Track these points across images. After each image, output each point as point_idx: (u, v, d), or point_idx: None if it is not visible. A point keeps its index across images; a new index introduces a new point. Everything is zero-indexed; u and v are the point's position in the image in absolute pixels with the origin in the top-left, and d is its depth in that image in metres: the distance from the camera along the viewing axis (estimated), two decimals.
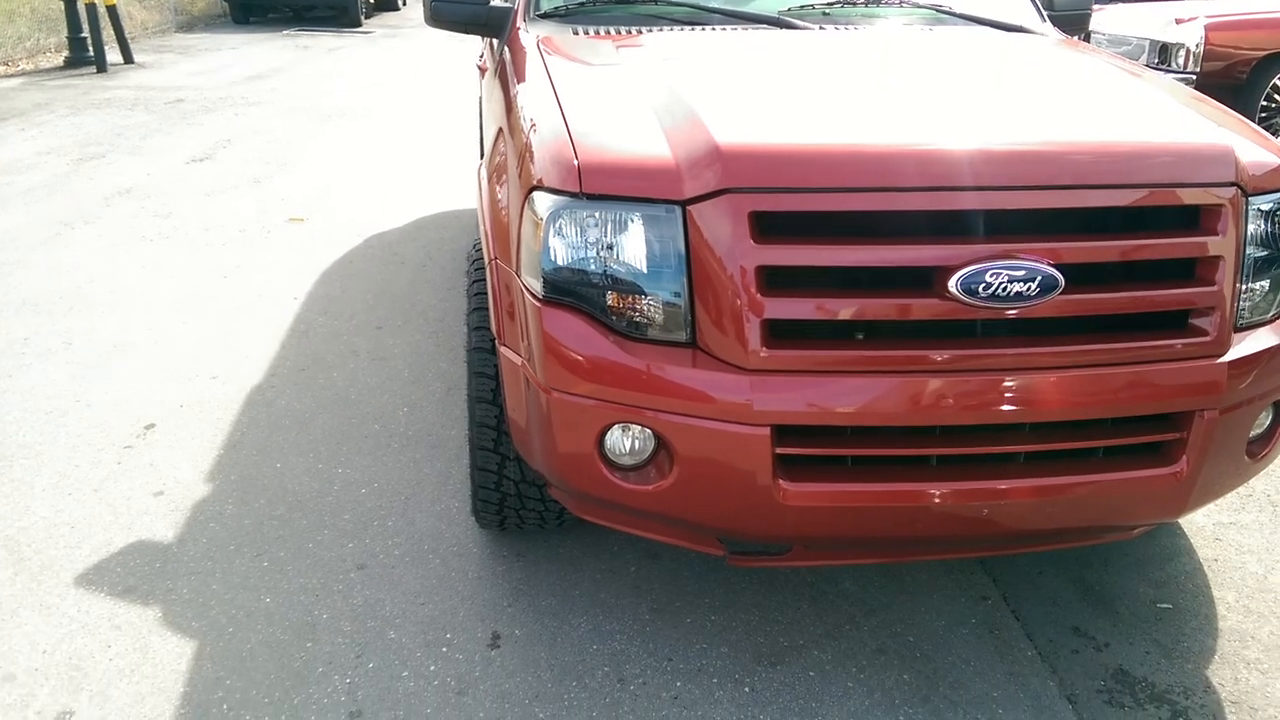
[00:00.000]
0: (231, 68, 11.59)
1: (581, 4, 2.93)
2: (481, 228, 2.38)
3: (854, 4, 2.90)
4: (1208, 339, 1.93)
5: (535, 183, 2.03)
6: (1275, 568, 2.61)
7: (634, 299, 1.92)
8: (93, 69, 11.16)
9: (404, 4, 21.08)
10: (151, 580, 2.48)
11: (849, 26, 2.78)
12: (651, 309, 1.92)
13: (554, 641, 2.31)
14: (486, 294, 2.38)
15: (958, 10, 2.94)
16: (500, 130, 2.66)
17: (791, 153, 1.86)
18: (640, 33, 2.72)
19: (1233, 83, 6.68)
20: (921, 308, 1.83)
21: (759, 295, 1.82)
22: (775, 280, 1.83)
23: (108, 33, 11.34)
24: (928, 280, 1.83)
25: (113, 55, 11.48)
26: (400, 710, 2.10)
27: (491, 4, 3.06)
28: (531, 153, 2.13)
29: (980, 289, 1.80)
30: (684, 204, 1.87)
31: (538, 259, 1.98)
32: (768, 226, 1.83)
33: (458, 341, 4.01)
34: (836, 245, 1.83)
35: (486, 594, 2.47)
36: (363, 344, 3.97)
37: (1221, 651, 2.31)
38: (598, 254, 1.94)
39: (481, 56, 3.80)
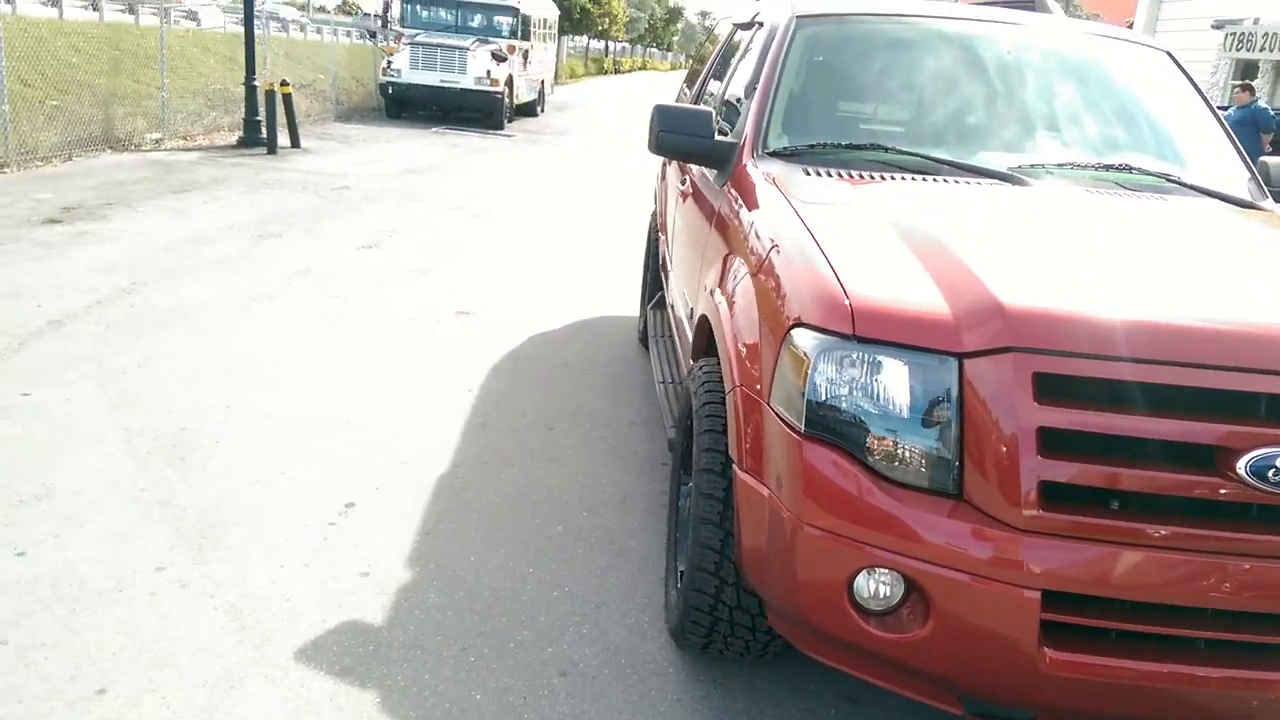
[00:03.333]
0: (389, 160, 12.28)
1: (810, 147, 3.06)
2: (723, 353, 2.45)
3: (1083, 166, 2.96)
4: None
5: (796, 319, 2.11)
6: None
7: (900, 444, 1.96)
8: (263, 150, 11.97)
9: (541, 111, 22.16)
10: (367, 663, 2.55)
11: (1081, 189, 2.83)
12: (917, 456, 1.95)
13: None
14: (720, 416, 2.45)
15: (1187, 181, 2.98)
16: (729, 258, 2.77)
17: (1081, 319, 1.90)
18: (875, 178, 2.82)
19: None
20: (1204, 486, 1.82)
21: (1037, 455, 1.84)
22: (1053, 441, 1.85)
23: (278, 117, 12.16)
24: (1211, 459, 1.83)
25: (281, 139, 12.29)
26: None
27: (716, 140, 3.22)
28: (789, 288, 2.22)
29: (1270, 474, 1.79)
30: (960, 356, 1.92)
31: (799, 394, 2.05)
32: (1050, 388, 1.86)
33: (627, 449, 4.09)
34: (1122, 413, 1.84)
35: (687, 719, 2.47)
36: (537, 443, 4.08)
37: None
38: (865, 396, 1.99)
39: (685, 181, 3.96)
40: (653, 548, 3.29)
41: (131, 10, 20.69)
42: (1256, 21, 18.92)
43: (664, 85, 43.27)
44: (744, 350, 2.34)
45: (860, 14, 3.49)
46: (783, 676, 2.65)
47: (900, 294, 2.06)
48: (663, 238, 4.92)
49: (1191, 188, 2.96)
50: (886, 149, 3.01)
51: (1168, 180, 2.97)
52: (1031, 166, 2.93)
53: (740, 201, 2.91)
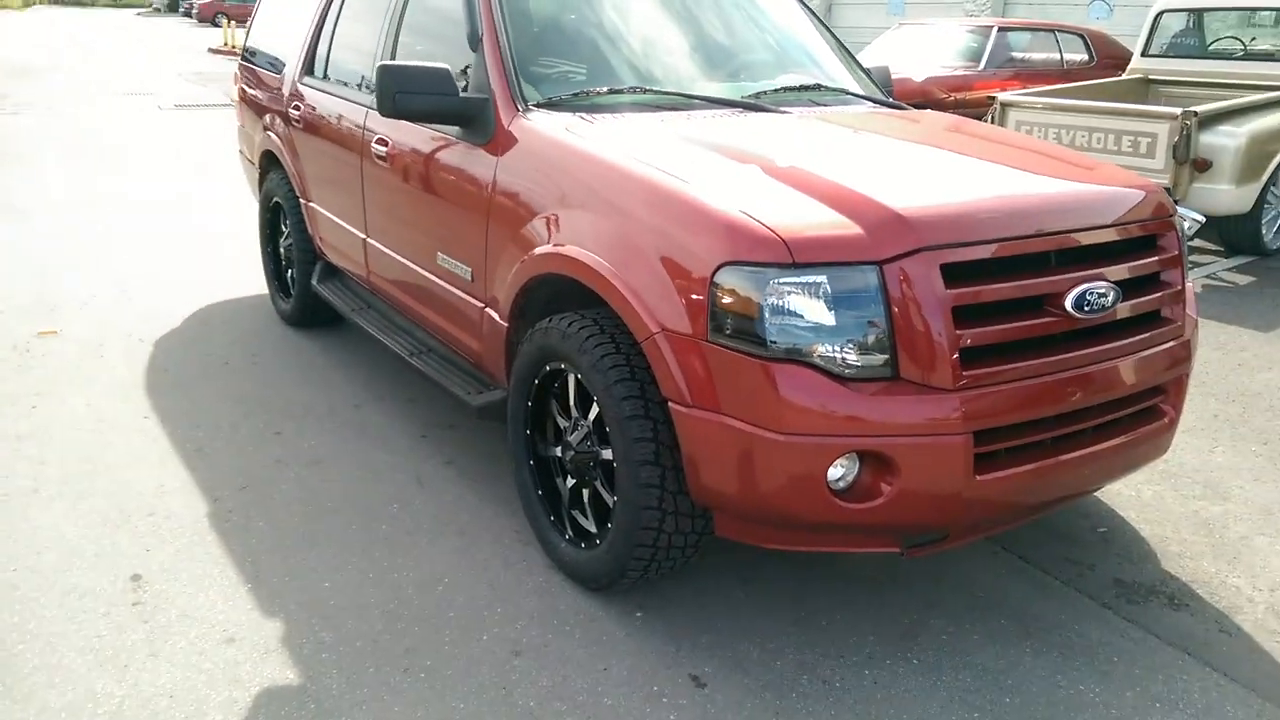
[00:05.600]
0: None
1: (575, 95, 3.16)
2: (620, 304, 2.51)
3: (791, 89, 3.47)
4: (1179, 324, 2.75)
5: (723, 259, 2.31)
6: (1140, 488, 3.56)
7: (845, 346, 2.29)
8: None
9: None
10: None
11: (806, 107, 3.33)
12: (861, 353, 2.30)
13: (743, 669, 2.55)
14: (626, 365, 2.56)
15: (857, 92, 3.64)
16: (560, 215, 2.80)
17: (958, 214, 2.38)
18: (662, 118, 3.03)
19: None
20: (1056, 324, 2.43)
21: (954, 329, 2.29)
22: (962, 315, 2.32)
23: None
24: (1053, 301, 2.43)
25: None
26: None
27: (464, 97, 3.16)
28: (696, 231, 2.40)
29: (1086, 306, 2.44)
30: (880, 263, 2.29)
31: (750, 325, 2.28)
32: (953, 274, 2.31)
33: (375, 432, 3.89)
34: (1004, 282, 2.37)
35: (654, 647, 2.62)
36: (279, 452, 3.70)
37: (1160, 553, 3.17)
38: (811, 312, 2.28)
39: (387, 144, 3.72)
40: (486, 515, 3.27)
41: None
42: None
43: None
44: (652, 297, 2.46)
45: None
46: (682, 583, 2.90)
47: (810, 220, 2.35)
48: (316, 208, 4.57)
49: (864, 98, 3.64)
50: (645, 90, 3.22)
51: (846, 93, 3.61)
52: (759, 95, 3.36)
53: (540, 157, 2.93)
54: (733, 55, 3.61)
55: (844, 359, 2.29)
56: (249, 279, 5.80)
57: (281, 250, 5.16)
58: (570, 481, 2.90)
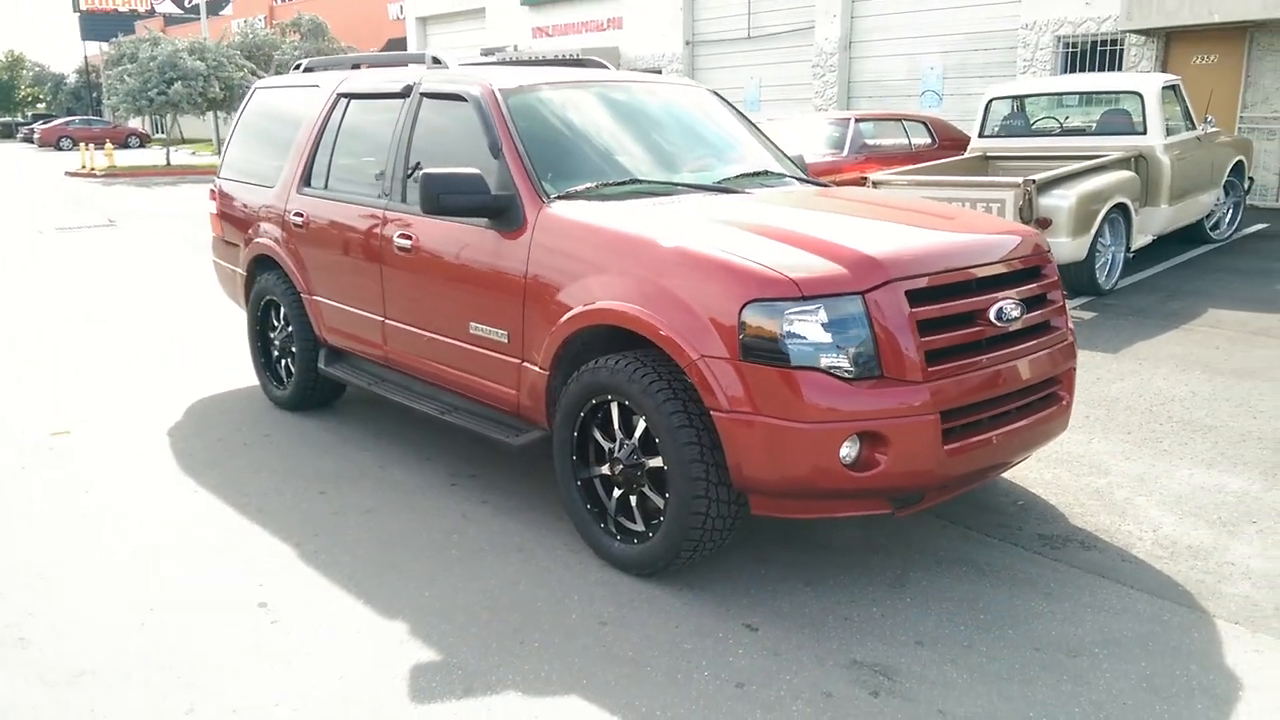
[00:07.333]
0: None
1: (588, 188, 3.93)
2: (666, 342, 3.23)
3: (747, 175, 4.36)
4: (1066, 329, 3.70)
5: (750, 298, 3.11)
6: (1042, 472, 4.49)
7: (844, 355, 3.10)
8: None
9: None
10: (483, 678, 2.87)
11: (760, 189, 4.22)
12: (854, 359, 3.11)
13: (783, 615, 3.26)
14: (672, 387, 3.29)
15: (792, 175, 4.56)
16: (593, 278, 3.54)
17: (911, 255, 3.25)
18: (659, 201, 3.84)
19: None
20: (984, 330, 3.32)
21: (919, 337, 3.15)
22: (922, 327, 3.17)
23: None
24: (980, 315, 3.32)
25: None
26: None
27: (495, 194, 3.89)
28: (723, 280, 3.19)
29: (1003, 317, 3.35)
30: (863, 293, 3.13)
31: (773, 344, 3.07)
32: (914, 297, 3.17)
33: (410, 484, 4.45)
34: (948, 302, 3.25)
35: (709, 609, 3.30)
36: (332, 506, 4.22)
37: (1067, 514, 4.08)
38: (819, 332, 3.08)
39: (409, 238, 4.38)
40: (534, 536, 3.88)
41: None
42: (516, 48, 22.97)
43: None
44: (689, 332, 3.21)
45: (539, 84, 4.39)
46: (714, 568, 3.60)
47: (807, 264, 3.18)
48: (321, 300, 5.13)
49: (796, 179, 4.56)
50: (638, 182, 4.03)
51: (785, 176, 4.52)
52: (724, 180, 4.23)
53: (569, 237, 3.66)
54: (698, 153, 4.48)
55: (843, 364, 3.10)
56: (229, 374, 6.26)
57: (276, 342, 5.67)
58: (618, 492, 3.58)
